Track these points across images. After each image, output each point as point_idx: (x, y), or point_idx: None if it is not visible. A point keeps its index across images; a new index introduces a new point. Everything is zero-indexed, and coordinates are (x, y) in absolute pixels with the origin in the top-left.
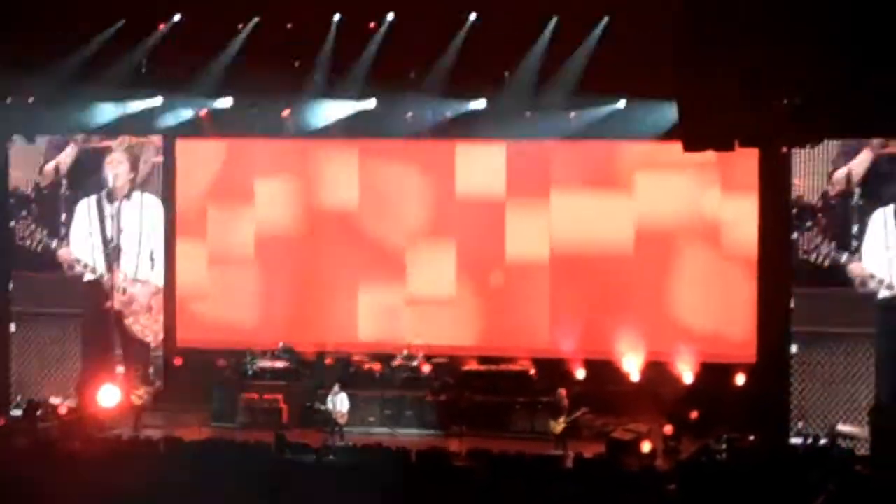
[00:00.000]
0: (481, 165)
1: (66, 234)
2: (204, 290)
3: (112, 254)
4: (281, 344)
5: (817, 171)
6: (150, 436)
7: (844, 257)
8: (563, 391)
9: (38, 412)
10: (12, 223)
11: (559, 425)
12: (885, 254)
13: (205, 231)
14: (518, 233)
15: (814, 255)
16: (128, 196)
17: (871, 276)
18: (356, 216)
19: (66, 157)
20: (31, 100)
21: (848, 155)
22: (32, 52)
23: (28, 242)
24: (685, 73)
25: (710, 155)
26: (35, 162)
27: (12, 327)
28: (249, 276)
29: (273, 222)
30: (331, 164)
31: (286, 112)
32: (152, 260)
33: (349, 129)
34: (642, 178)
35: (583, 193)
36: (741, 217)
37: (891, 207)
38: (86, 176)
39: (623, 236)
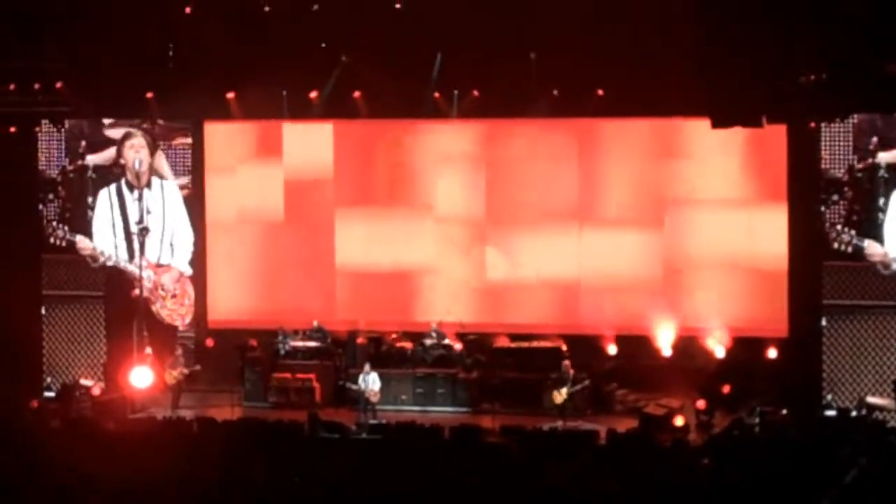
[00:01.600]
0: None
1: (91, 220)
2: (234, 270)
3: (136, 241)
4: (315, 323)
5: (844, 145)
6: (183, 416)
7: (866, 243)
8: (567, 363)
9: (72, 394)
10: (40, 207)
11: (560, 396)
12: None
13: (234, 212)
14: (549, 205)
15: (836, 244)
16: (148, 183)
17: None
18: (385, 192)
19: (92, 141)
20: (58, 84)
21: (874, 129)
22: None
23: (52, 241)
24: (711, 50)
25: (737, 131)
26: (61, 146)
27: (42, 310)
28: (279, 256)
29: (302, 202)
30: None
31: (314, 94)
32: (172, 246)
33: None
34: (673, 156)
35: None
36: (770, 191)
37: None
38: (110, 161)
39: (653, 213)
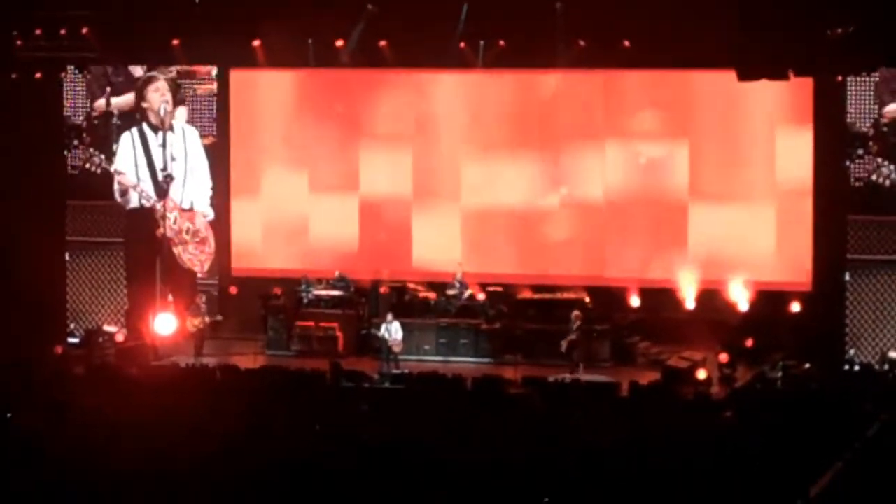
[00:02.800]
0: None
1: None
2: (258, 219)
3: (163, 183)
4: (337, 273)
5: (869, 98)
6: (205, 364)
7: None
8: (577, 313)
9: (95, 340)
10: (65, 153)
11: (563, 343)
12: None
13: (259, 163)
14: (573, 168)
15: (875, 176)
16: (171, 127)
17: None
18: (409, 143)
19: (116, 87)
20: (84, 30)
21: None
22: None
23: (87, 166)
24: (739, 4)
25: (763, 84)
26: (86, 91)
27: (66, 257)
28: (304, 206)
29: (327, 153)
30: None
31: (340, 43)
32: (193, 190)
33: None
34: (698, 111)
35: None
36: (796, 145)
37: None
38: (134, 105)
39: (678, 169)
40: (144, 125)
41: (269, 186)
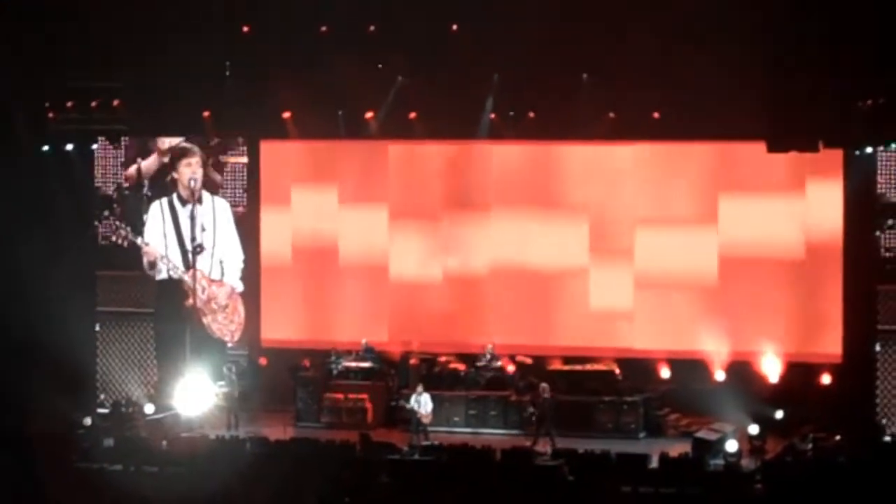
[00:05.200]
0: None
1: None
2: (287, 290)
3: (192, 254)
4: (364, 341)
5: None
6: (236, 435)
7: None
8: (544, 385)
9: (124, 411)
10: (95, 224)
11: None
12: None
13: (288, 231)
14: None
15: None
16: (200, 199)
17: None
18: (439, 216)
19: (148, 157)
20: (116, 102)
21: None
22: (120, 54)
23: (114, 239)
24: (769, 76)
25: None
26: (117, 163)
27: (96, 327)
28: (331, 276)
29: (355, 222)
30: (414, 165)
31: (370, 114)
32: (222, 263)
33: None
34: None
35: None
36: (825, 216)
37: None
38: (165, 177)
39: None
40: (174, 196)
41: (300, 258)
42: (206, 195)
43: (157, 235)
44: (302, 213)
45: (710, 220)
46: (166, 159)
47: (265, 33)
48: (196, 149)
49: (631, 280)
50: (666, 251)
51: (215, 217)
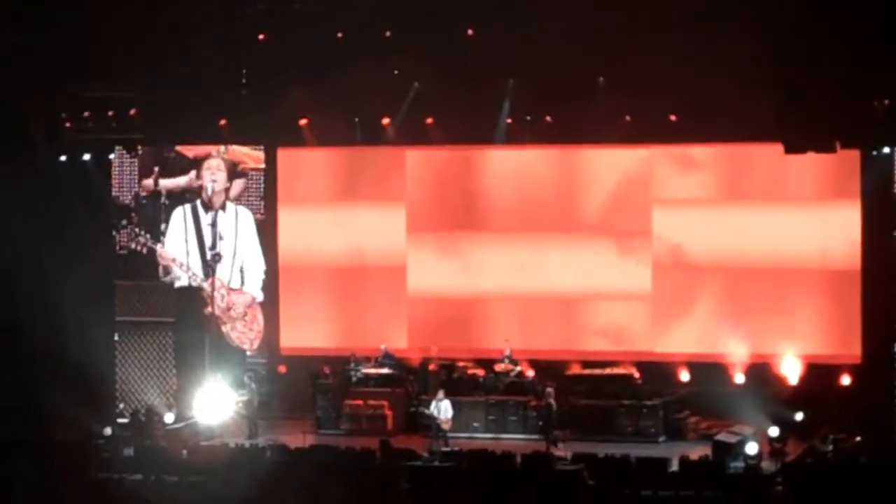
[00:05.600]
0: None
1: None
2: (305, 298)
3: (211, 262)
4: (383, 347)
5: None
6: (255, 443)
7: None
8: (549, 390)
9: (144, 421)
10: (113, 234)
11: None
12: None
13: (306, 238)
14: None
15: None
16: (223, 206)
17: None
18: (457, 221)
19: (165, 166)
20: (132, 111)
21: None
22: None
23: (133, 246)
24: (785, 76)
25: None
26: (134, 172)
27: (115, 336)
28: (350, 283)
29: (373, 229)
30: (431, 171)
31: (386, 120)
32: (242, 272)
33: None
34: (746, 184)
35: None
36: (844, 217)
37: None
38: (183, 186)
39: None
40: (198, 203)
41: (318, 265)
42: (230, 204)
43: (179, 242)
44: (319, 220)
45: (730, 224)
46: (191, 178)
47: (281, 41)
48: (218, 154)
49: (649, 283)
50: (682, 252)
51: (237, 225)
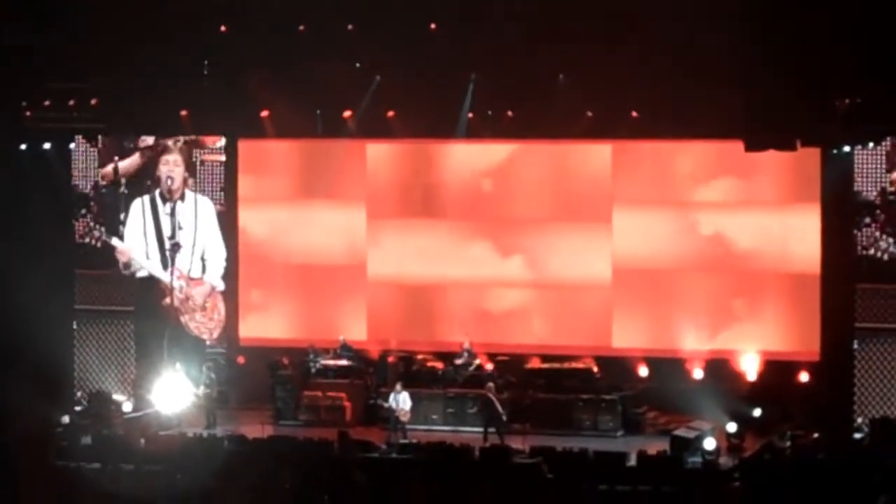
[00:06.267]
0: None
1: (123, 234)
2: (265, 289)
3: (169, 252)
4: (341, 338)
5: (876, 167)
6: (214, 433)
7: None
8: (489, 385)
9: (102, 409)
10: (73, 222)
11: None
12: None
13: (266, 229)
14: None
15: (872, 250)
16: (182, 196)
17: None
18: (416, 215)
19: (125, 156)
20: (93, 101)
21: None
22: (97, 53)
23: (88, 240)
24: (746, 74)
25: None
26: (94, 161)
27: (74, 325)
28: (310, 275)
29: (333, 221)
30: (391, 164)
31: (348, 113)
32: (203, 261)
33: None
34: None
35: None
36: (804, 214)
37: None
38: (143, 175)
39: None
40: (156, 193)
41: (277, 256)
42: (189, 193)
43: (137, 233)
44: (280, 211)
45: (690, 220)
46: (146, 158)
47: (243, 32)
48: (174, 146)
49: (609, 277)
50: (643, 248)
51: (197, 215)
